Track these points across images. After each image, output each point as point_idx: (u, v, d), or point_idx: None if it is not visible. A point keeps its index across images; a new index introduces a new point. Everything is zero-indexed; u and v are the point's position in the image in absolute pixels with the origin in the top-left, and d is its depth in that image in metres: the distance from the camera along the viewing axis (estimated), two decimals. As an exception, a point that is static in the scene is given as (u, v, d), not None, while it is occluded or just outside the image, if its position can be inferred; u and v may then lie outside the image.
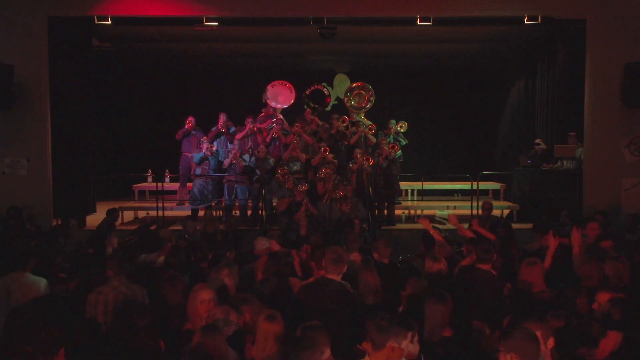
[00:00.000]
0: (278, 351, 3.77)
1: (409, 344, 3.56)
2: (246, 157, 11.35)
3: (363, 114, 12.53)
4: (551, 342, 3.45)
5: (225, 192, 11.40)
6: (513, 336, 3.20)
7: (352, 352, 3.67)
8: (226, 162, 11.36)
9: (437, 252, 6.19)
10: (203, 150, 11.44)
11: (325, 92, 12.92)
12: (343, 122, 11.86)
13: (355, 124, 12.12)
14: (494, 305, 4.99)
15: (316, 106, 12.76)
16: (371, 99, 12.33)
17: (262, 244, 6.35)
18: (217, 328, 3.76)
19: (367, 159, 10.91)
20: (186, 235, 8.42)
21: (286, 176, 10.28)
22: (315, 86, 13.03)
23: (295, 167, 11.04)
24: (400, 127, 12.77)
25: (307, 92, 12.87)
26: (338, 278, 4.75)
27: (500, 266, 6.10)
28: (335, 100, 13.86)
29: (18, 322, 3.49)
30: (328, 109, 13.39)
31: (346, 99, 12.44)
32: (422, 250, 6.87)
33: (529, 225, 10.62)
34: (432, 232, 6.76)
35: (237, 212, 11.55)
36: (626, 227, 8.84)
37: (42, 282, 5.33)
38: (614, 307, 4.23)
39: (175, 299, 4.71)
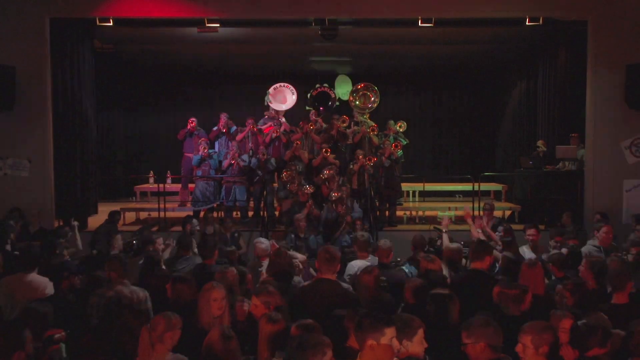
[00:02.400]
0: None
1: (409, 343, 3.55)
2: (245, 157, 11.32)
3: (367, 115, 12.53)
4: (545, 349, 3.44)
5: (223, 193, 11.39)
6: (474, 325, 3.43)
7: (344, 352, 3.67)
8: (225, 163, 11.35)
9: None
10: (200, 152, 11.43)
11: (331, 94, 12.92)
12: (343, 122, 11.87)
13: (358, 124, 12.13)
14: (490, 305, 4.98)
15: (322, 108, 12.75)
16: (376, 99, 12.33)
17: (262, 244, 6.33)
18: (231, 334, 3.76)
19: (369, 159, 10.92)
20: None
21: (291, 177, 10.27)
22: (322, 88, 13.03)
23: (299, 168, 11.04)
24: (400, 126, 12.75)
25: (314, 94, 12.86)
26: (333, 277, 4.80)
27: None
28: (337, 100, 13.87)
29: None
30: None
31: (351, 99, 12.45)
32: (412, 253, 6.91)
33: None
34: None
35: (238, 213, 11.55)
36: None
37: (47, 282, 5.35)
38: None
39: (186, 298, 4.71)
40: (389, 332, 3.21)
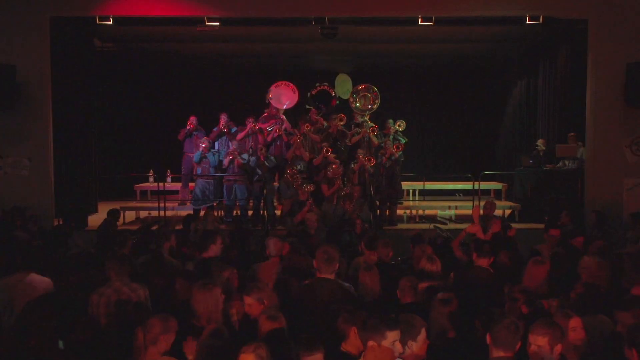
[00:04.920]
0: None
1: (414, 344, 3.55)
2: (245, 155, 11.30)
3: (367, 116, 12.52)
4: (559, 348, 3.44)
5: (225, 192, 11.39)
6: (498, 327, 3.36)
7: (339, 356, 3.68)
8: (225, 161, 11.34)
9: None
10: (200, 149, 11.42)
11: (332, 93, 12.91)
12: (340, 120, 11.85)
13: (359, 125, 12.11)
14: (492, 303, 4.99)
15: (322, 107, 12.73)
16: (376, 100, 12.31)
17: (275, 244, 6.27)
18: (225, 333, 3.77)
19: (369, 160, 10.92)
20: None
21: (295, 176, 10.28)
22: (322, 87, 13.00)
23: (299, 167, 11.03)
24: (399, 125, 12.73)
25: (313, 93, 12.83)
26: (332, 277, 4.80)
27: (503, 266, 6.09)
28: (338, 100, 13.85)
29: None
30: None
31: (351, 100, 12.44)
32: (412, 252, 6.90)
33: (530, 225, 10.70)
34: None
35: (238, 212, 11.54)
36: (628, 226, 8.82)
37: (46, 282, 5.34)
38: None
39: (186, 295, 4.70)
40: (391, 336, 3.27)
